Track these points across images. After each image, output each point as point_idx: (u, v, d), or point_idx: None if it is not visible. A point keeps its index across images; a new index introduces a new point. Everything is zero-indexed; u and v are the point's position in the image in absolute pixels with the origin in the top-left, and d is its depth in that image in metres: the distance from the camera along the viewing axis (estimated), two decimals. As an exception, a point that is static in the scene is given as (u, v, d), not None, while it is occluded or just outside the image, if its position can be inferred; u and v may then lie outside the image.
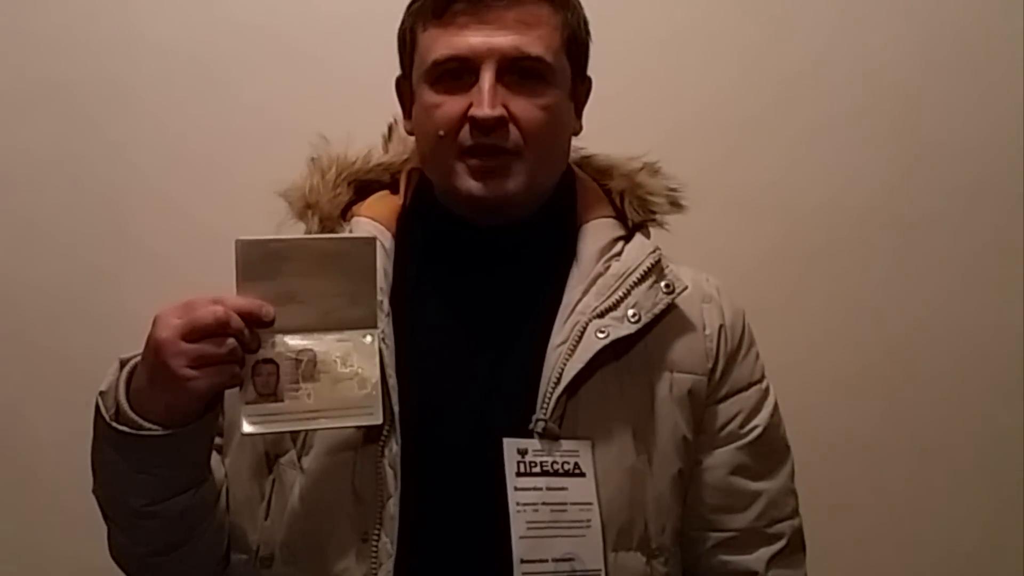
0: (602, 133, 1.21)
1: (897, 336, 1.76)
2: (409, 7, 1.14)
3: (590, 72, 1.18)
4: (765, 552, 1.15)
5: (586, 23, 1.16)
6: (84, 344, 1.62)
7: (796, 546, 1.18)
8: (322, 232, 1.16)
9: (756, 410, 1.17)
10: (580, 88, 1.17)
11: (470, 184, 1.09)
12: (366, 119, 1.22)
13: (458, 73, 1.08)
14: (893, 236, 1.76)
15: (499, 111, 1.06)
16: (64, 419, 1.52)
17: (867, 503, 1.76)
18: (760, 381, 1.19)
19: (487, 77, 1.06)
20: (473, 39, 1.07)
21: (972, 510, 1.77)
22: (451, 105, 1.08)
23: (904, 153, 1.76)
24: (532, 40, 1.08)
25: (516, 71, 1.08)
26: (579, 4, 1.15)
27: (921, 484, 1.77)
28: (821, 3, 1.75)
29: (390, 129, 1.24)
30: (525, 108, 1.08)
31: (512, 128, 1.07)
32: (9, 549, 1.65)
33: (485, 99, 1.06)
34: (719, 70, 1.73)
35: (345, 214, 1.19)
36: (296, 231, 1.17)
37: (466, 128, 1.07)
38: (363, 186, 1.21)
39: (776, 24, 1.74)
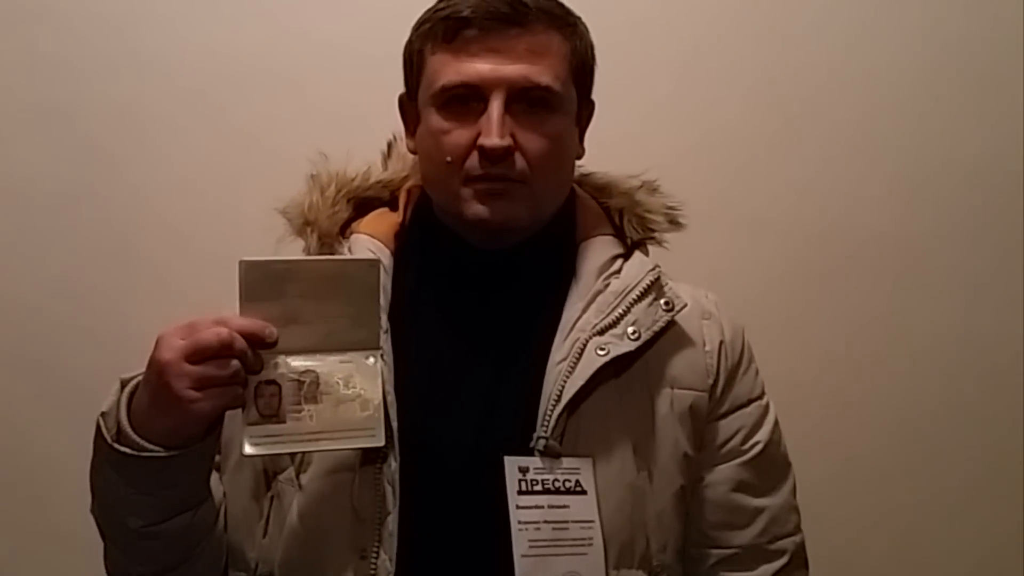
0: (609, 152, 1.21)
1: (902, 356, 1.76)
2: (417, 28, 1.13)
3: (598, 91, 1.18)
4: (767, 569, 1.15)
5: (593, 49, 1.15)
6: (88, 364, 1.61)
7: (798, 563, 1.18)
8: (321, 249, 1.15)
9: (757, 426, 1.17)
10: (584, 113, 1.17)
11: (476, 208, 1.08)
12: (365, 136, 1.21)
13: (466, 99, 1.07)
14: (898, 257, 1.76)
15: (507, 141, 1.06)
16: (68, 438, 1.52)
17: (871, 521, 1.76)
18: (760, 397, 1.19)
19: (496, 106, 1.06)
20: (483, 67, 1.06)
21: (977, 528, 1.76)
22: (459, 132, 1.08)
23: (909, 175, 1.76)
24: (541, 69, 1.07)
25: (524, 100, 1.07)
26: (587, 30, 1.14)
27: (925, 502, 1.77)
28: (829, 27, 1.75)
29: (389, 146, 1.24)
30: (532, 138, 1.08)
31: (519, 157, 1.07)
32: (7, 566, 1.64)
33: (494, 129, 1.05)
34: (726, 92, 1.74)
35: (344, 231, 1.18)
36: (295, 248, 1.17)
37: (474, 156, 1.07)
38: (362, 203, 1.20)
39: (783, 46, 1.75)
